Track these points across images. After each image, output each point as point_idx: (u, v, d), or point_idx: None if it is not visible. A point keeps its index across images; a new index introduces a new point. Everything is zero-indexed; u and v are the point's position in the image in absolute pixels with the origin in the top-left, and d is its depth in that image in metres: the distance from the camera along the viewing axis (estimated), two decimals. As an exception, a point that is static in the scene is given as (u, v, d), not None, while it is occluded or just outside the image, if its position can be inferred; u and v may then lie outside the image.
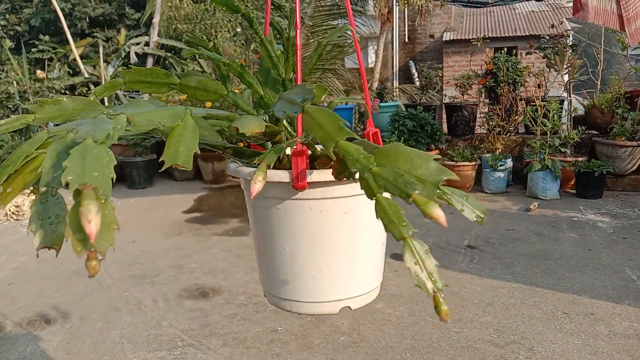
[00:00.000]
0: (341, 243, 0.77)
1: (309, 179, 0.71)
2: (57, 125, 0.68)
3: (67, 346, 2.24)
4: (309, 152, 0.75)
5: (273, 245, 0.78)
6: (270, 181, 0.73)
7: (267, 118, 0.79)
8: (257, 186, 0.61)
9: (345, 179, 0.67)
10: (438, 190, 0.56)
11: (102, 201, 0.45)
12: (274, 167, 0.78)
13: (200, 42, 0.84)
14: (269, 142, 0.84)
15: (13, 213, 4.55)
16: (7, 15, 8.76)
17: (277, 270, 0.79)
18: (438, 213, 0.48)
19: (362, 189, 0.56)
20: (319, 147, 0.80)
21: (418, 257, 0.51)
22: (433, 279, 0.50)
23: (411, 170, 0.56)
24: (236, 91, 0.84)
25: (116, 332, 2.34)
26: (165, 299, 2.69)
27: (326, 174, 0.71)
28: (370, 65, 12.23)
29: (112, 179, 0.47)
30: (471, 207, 0.60)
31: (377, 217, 0.53)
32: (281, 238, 0.77)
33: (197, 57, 0.81)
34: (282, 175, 0.72)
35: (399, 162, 0.59)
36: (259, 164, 0.65)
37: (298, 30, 0.77)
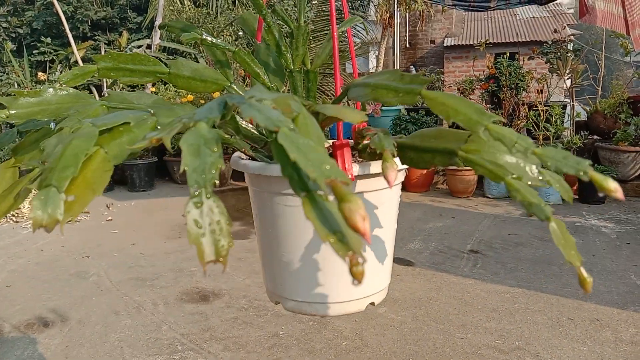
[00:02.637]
0: (374, 237, 0.74)
1: (365, 172, 0.67)
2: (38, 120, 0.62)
3: (66, 350, 2.20)
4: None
5: (301, 246, 0.72)
6: None
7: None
8: (394, 175, 0.57)
9: (434, 167, 0.64)
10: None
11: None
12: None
13: (181, 25, 0.78)
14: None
15: (12, 215, 4.52)
16: (9, 18, 8.76)
17: (304, 273, 0.73)
18: (615, 186, 0.51)
19: (481, 173, 0.56)
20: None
21: (562, 237, 0.54)
22: (573, 252, 0.54)
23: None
24: None
25: (115, 336, 2.31)
26: (166, 302, 2.66)
27: (379, 166, 0.67)
28: (372, 70, 12.23)
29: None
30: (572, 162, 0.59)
31: (516, 200, 0.54)
32: (312, 238, 0.71)
33: (200, 43, 0.74)
34: None
35: (489, 147, 0.60)
36: (380, 153, 0.60)
37: (333, 18, 0.73)
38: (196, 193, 0.43)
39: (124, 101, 0.68)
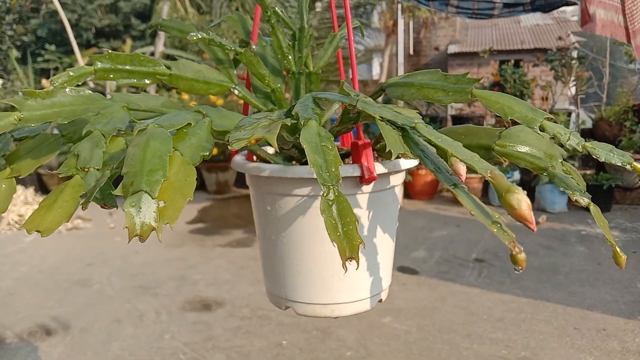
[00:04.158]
0: (385, 234, 0.74)
1: (387, 170, 0.68)
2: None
3: (68, 358, 2.19)
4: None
5: (316, 248, 0.70)
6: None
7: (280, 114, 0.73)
8: (464, 168, 0.58)
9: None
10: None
11: None
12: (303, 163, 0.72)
13: (176, 25, 0.75)
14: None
15: (16, 222, 4.52)
16: (15, 26, 8.82)
17: (319, 275, 0.72)
18: None
19: (522, 166, 0.61)
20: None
21: (601, 220, 0.57)
22: (610, 233, 0.57)
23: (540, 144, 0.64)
24: None
25: (117, 345, 2.30)
26: (168, 311, 2.64)
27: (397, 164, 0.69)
28: (375, 77, 12.24)
29: None
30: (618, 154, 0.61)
31: (560, 188, 0.58)
32: (327, 238, 0.71)
33: (207, 43, 0.71)
34: (350, 170, 0.66)
35: (527, 139, 0.65)
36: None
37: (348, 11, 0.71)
38: (326, 191, 0.43)
39: (129, 103, 0.66)
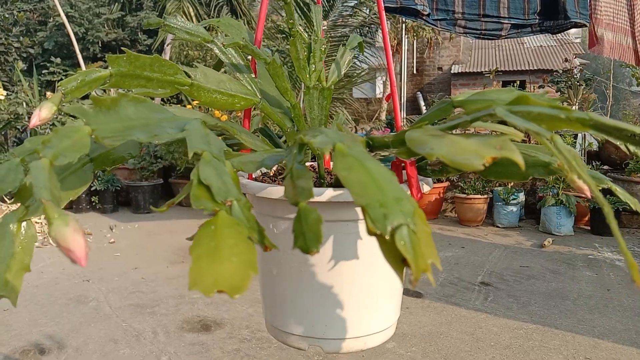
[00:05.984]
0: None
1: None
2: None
3: (60, 380, 2.11)
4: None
5: (362, 276, 0.64)
6: None
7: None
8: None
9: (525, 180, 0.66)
10: None
11: None
12: (326, 185, 0.68)
13: (181, 25, 0.65)
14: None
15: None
16: (21, 38, 8.86)
17: (357, 306, 0.65)
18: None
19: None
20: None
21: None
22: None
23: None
24: None
25: (112, 366, 2.22)
26: (166, 331, 2.57)
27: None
28: (378, 96, 12.26)
29: None
30: None
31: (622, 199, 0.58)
32: (367, 268, 0.64)
33: (241, 50, 0.63)
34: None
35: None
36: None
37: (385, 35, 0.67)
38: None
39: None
